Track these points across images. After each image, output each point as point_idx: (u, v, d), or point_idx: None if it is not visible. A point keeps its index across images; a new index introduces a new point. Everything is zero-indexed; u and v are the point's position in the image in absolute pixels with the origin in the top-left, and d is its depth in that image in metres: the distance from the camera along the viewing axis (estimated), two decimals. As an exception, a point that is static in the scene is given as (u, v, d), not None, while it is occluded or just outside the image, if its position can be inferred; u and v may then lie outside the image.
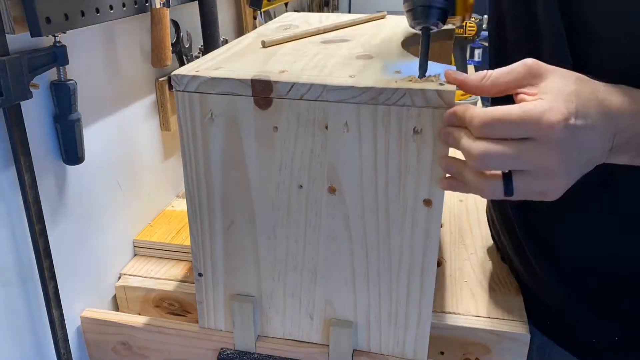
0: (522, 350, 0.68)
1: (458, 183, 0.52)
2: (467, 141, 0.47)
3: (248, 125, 0.56)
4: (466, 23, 1.40)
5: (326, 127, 0.55)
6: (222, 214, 0.62)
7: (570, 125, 0.44)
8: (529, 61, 0.47)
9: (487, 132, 0.45)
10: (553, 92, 0.45)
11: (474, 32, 1.42)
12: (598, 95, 0.46)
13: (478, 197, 1.02)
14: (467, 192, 0.51)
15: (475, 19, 1.41)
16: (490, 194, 0.48)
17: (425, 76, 0.53)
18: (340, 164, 0.56)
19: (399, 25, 0.82)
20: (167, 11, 0.81)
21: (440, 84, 0.52)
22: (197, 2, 0.94)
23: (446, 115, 0.50)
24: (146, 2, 0.80)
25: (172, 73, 0.57)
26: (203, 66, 0.59)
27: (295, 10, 1.77)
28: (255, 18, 1.31)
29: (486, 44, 1.91)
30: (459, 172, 0.50)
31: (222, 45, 1.05)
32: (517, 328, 0.69)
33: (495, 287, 0.77)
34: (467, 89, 0.50)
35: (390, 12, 0.89)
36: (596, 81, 0.48)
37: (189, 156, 0.60)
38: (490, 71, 0.49)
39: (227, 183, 0.60)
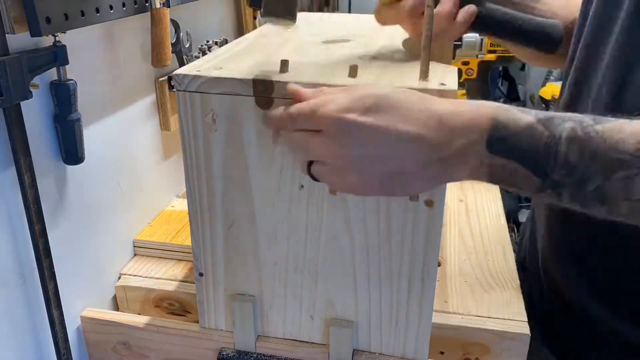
0: (522, 350, 0.68)
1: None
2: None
3: (249, 125, 0.56)
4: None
5: (327, 127, 0.55)
6: (223, 214, 0.61)
7: (344, 119, 0.44)
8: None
9: (291, 124, 0.48)
10: (350, 90, 0.46)
11: None
12: (416, 102, 0.45)
13: (478, 197, 1.03)
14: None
15: None
16: (302, 170, 0.50)
17: None
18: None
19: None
20: (167, 11, 0.81)
21: (442, 84, 0.52)
22: (197, 1, 0.93)
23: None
24: (146, 2, 0.80)
25: (173, 73, 0.57)
26: (204, 66, 0.59)
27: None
28: (255, 18, 1.31)
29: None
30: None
31: (219, 45, 1.05)
32: (517, 328, 0.69)
33: (495, 287, 0.77)
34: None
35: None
36: (430, 96, 0.47)
37: (190, 156, 0.60)
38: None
39: (228, 183, 0.60)
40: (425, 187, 0.48)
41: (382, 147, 0.44)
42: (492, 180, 0.45)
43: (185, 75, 0.56)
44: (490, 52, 1.20)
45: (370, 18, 0.65)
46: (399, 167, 0.45)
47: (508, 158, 0.43)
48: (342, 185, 0.48)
